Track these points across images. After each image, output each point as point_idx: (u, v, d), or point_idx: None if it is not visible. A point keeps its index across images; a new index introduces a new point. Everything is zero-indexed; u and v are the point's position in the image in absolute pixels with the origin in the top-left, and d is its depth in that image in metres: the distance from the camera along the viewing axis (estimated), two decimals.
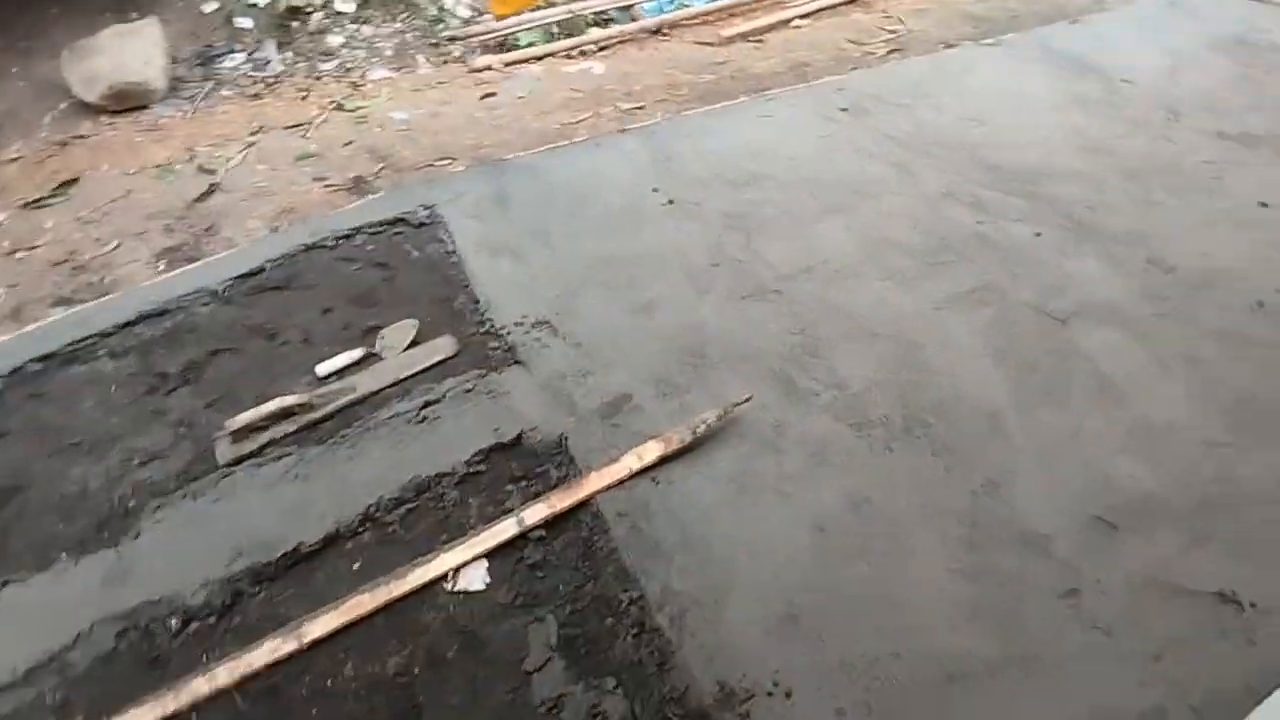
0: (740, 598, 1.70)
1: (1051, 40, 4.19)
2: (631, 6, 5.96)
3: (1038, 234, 2.74)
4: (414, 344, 2.38)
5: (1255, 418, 2.07)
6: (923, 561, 1.76)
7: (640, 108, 4.44)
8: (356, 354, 2.36)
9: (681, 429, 2.00)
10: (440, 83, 5.02)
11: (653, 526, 1.84)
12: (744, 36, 5.65)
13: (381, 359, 2.36)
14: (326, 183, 3.56)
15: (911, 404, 2.12)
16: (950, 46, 5.53)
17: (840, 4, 6.20)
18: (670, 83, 4.85)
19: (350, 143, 4.08)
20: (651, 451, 1.95)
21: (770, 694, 1.53)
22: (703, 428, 2.00)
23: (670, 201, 2.94)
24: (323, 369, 2.32)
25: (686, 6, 6.15)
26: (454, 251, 2.70)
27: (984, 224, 2.80)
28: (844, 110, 3.54)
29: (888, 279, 2.55)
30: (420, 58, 5.36)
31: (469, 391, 2.20)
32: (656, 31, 5.62)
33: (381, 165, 3.82)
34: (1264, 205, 2.88)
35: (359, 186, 3.61)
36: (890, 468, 1.96)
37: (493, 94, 4.71)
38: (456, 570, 1.77)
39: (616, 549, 1.79)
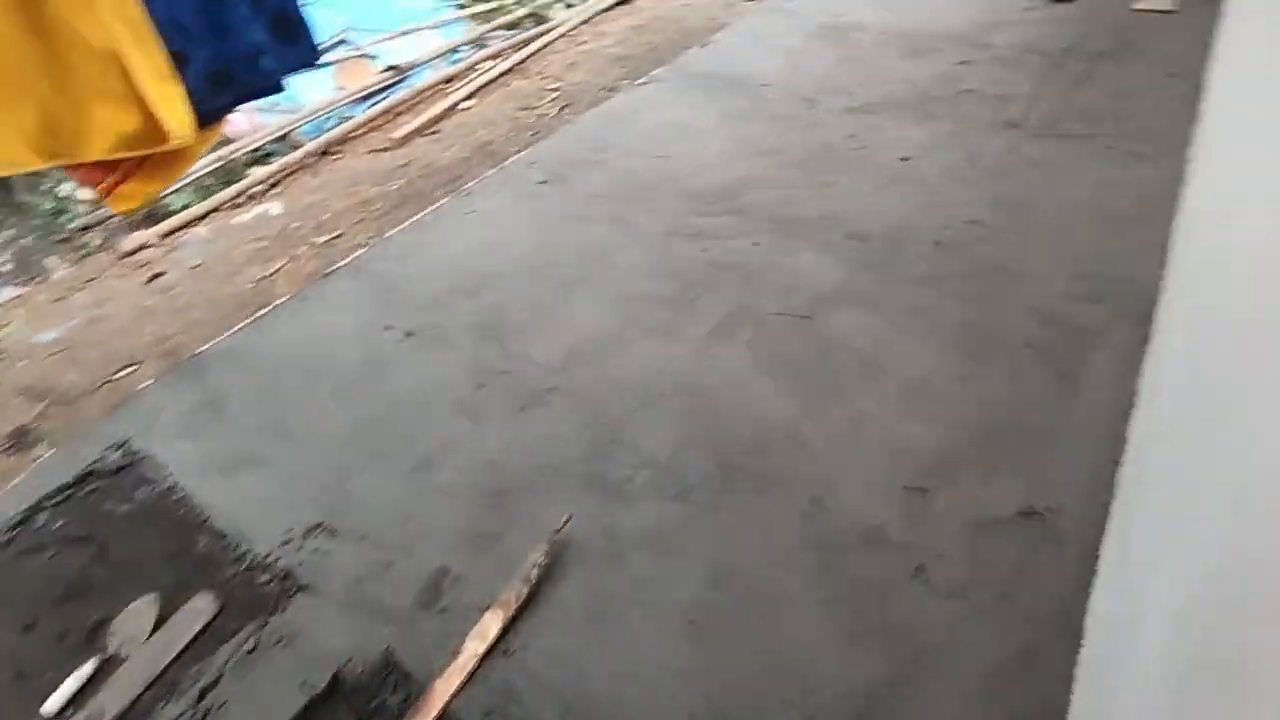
0: None
1: (692, 66, 4.61)
2: (288, 135, 5.58)
3: (755, 243, 2.94)
4: (159, 624, 1.91)
5: (982, 342, 2.36)
6: (794, 607, 1.74)
7: (338, 236, 4.13)
8: (88, 668, 1.83)
9: (514, 584, 1.80)
10: (89, 281, 4.27)
11: (526, 709, 1.61)
12: (418, 132, 5.54)
13: (124, 659, 1.86)
14: None
15: (720, 451, 2.13)
16: (610, 91, 5.87)
17: (498, 76, 6.33)
18: (360, 201, 4.59)
19: None
20: (492, 626, 1.73)
21: None
22: (535, 572, 1.82)
23: (409, 335, 2.71)
24: (51, 707, 1.77)
25: (347, 119, 5.89)
26: (172, 488, 2.23)
27: (709, 250, 2.94)
28: (544, 183, 3.57)
29: (650, 335, 2.56)
30: (51, 261, 4.53)
31: (252, 652, 1.80)
32: (325, 152, 5.32)
33: (44, 404, 3.11)
34: (904, 159, 3.36)
35: (21, 443, 2.90)
36: (727, 527, 1.93)
37: (160, 274, 4.10)
38: None
39: None
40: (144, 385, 2.70)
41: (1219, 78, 3.27)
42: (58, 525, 2.20)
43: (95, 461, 2.35)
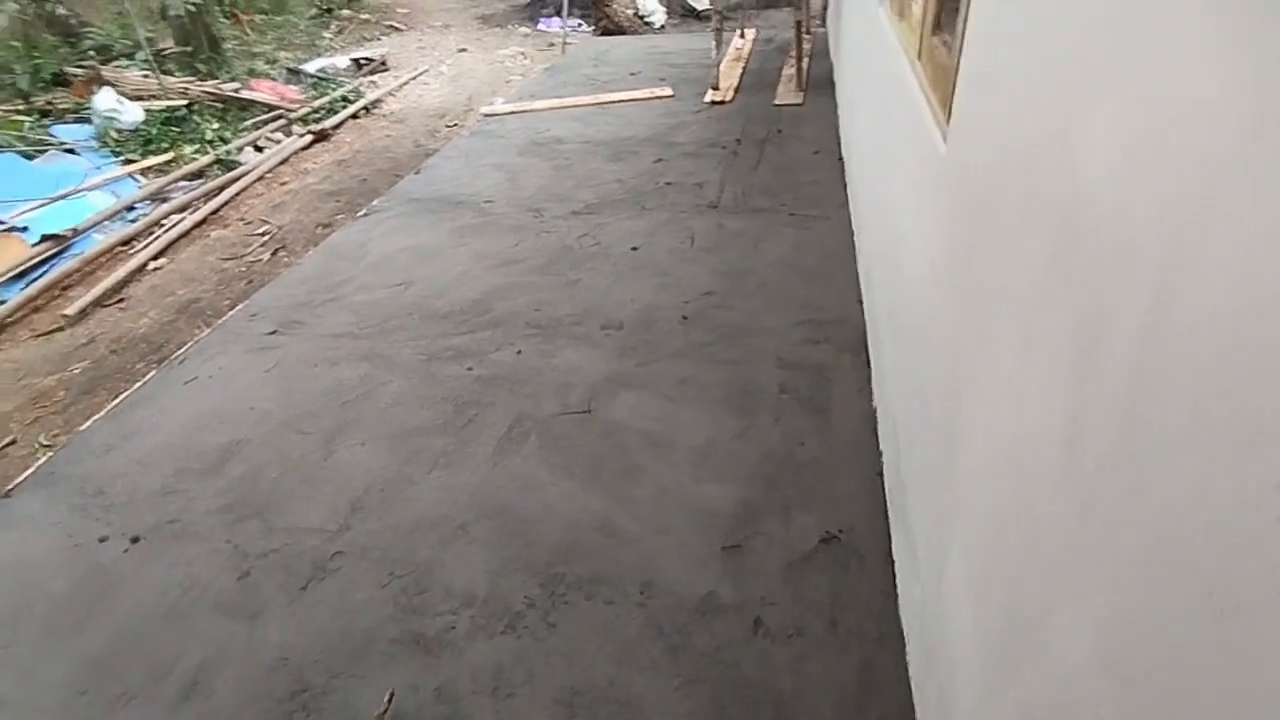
0: None
1: (412, 193, 4.62)
2: None
3: (518, 351, 2.96)
4: None
5: (746, 397, 2.59)
6: (655, 705, 1.69)
7: (10, 444, 3.36)
8: None
9: None
10: None
11: None
12: (99, 303, 4.81)
13: None
14: None
15: (539, 567, 2.04)
16: (326, 227, 5.65)
17: (191, 229, 5.79)
18: (32, 395, 3.82)
19: None
20: None
21: None
22: None
23: (134, 540, 2.24)
24: None
25: None
26: None
27: (473, 367, 2.89)
28: (273, 333, 3.26)
29: (435, 467, 2.42)
30: None
31: None
32: None
33: None
34: (634, 249, 3.67)
35: None
36: (566, 644, 1.84)
37: None
38: None
39: None
40: None
41: (847, 151, 4.10)
42: None
43: None
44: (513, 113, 6.00)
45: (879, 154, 2.56)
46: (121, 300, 4.83)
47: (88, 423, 2.86)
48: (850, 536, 2.03)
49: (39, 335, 4.51)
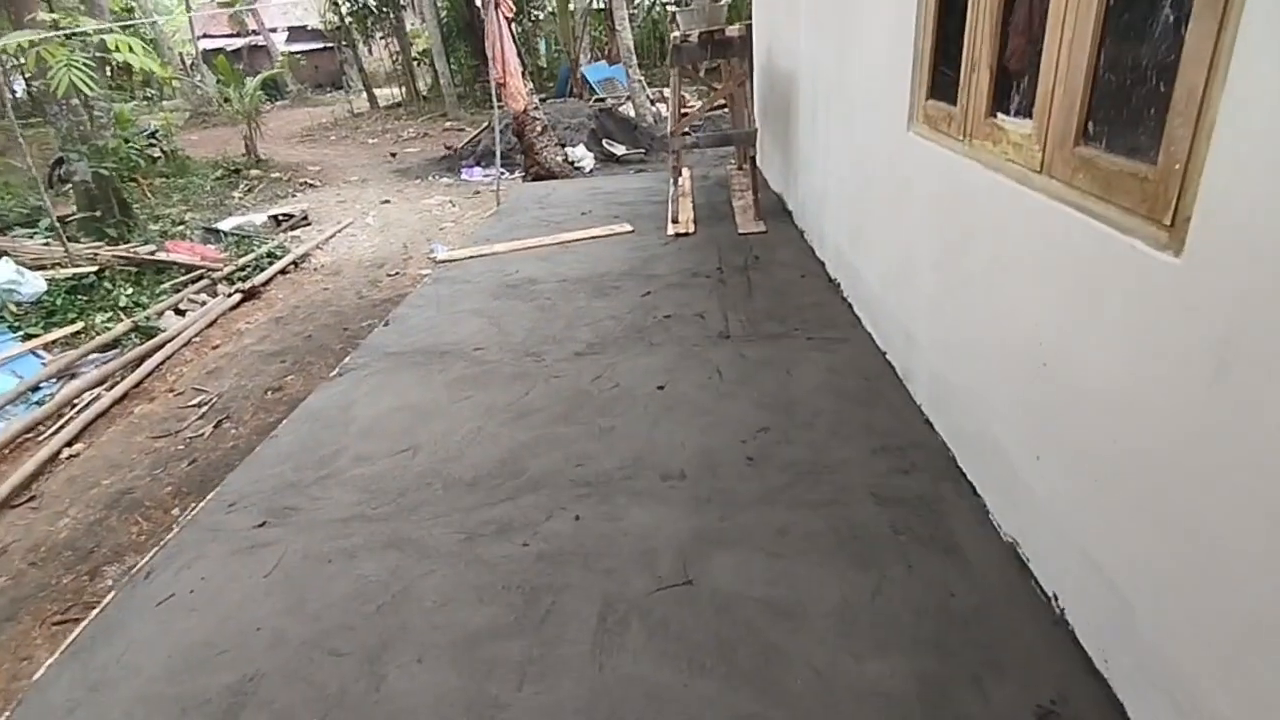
0: None
1: (387, 346, 4.22)
2: None
3: (576, 517, 2.56)
4: None
5: (860, 543, 2.29)
6: None
7: None
8: None
9: None
10: None
11: None
12: (5, 505, 4.03)
13: None
14: None
15: None
16: (277, 391, 5.14)
17: (110, 406, 5.11)
18: None
19: None
20: None
21: None
22: None
23: None
24: None
25: None
26: None
27: (529, 543, 2.46)
28: (262, 525, 2.71)
29: (525, 681, 1.93)
30: None
31: None
32: None
33: None
34: (660, 388, 3.41)
35: None
36: None
37: None
38: None
39: None
40: None
41: (840, 272, 4.09)
42: None
43: None
44: (471, 257, 5.80)
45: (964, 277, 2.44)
46: (33, 499, 4.07)
47: (40, 671, 2.17)
48: (1068, 707, 1.71)
49: None
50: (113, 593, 2.49)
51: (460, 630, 2.12)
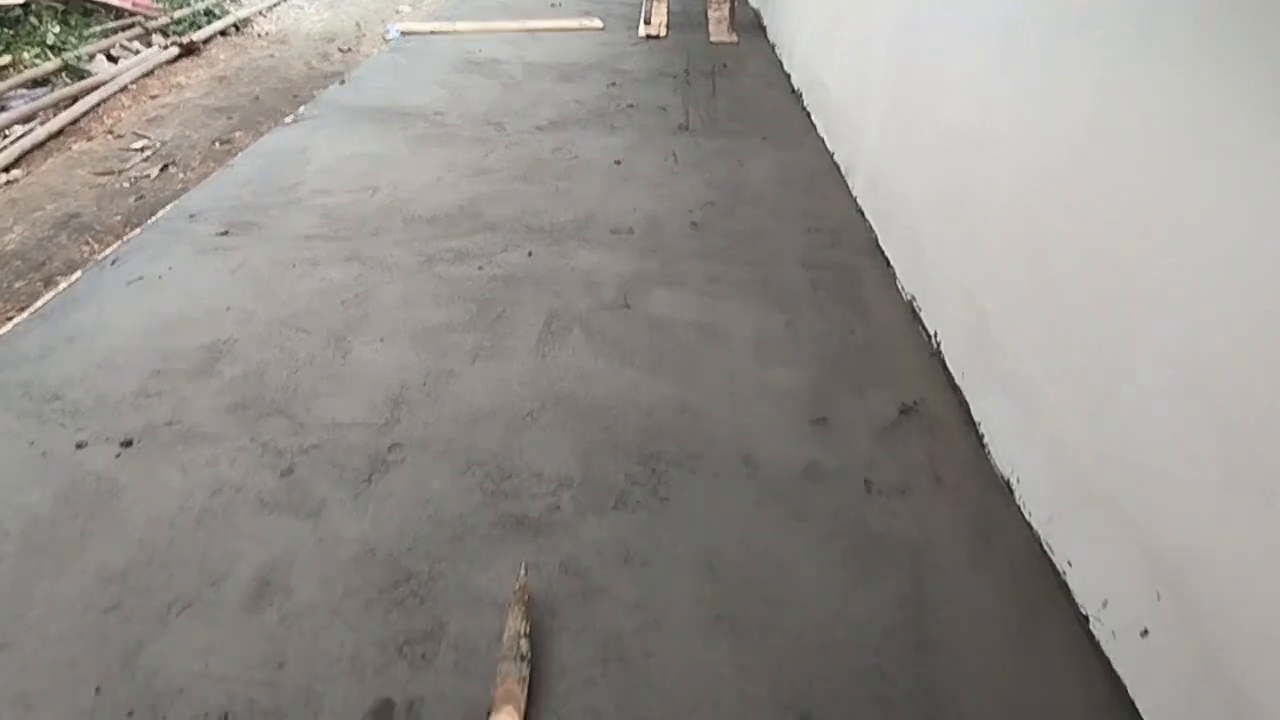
0: None
1: (343, 102, 4.15)
2: None
3: (529, 253, 2.76)
4: None
5: (780, 293, 2.58)
6: (793, 561, 1.65)
7: None
8: None
9: (506, 667, 1.36)
10: None
11: None
12: None
13: None
14: None
15: (629, 450, 1.92)
16: (225, 143, 5.02)
17: (46, 140, 4.91)
18: None
19: None
20: None
21: None
22: (524, 643, 1.40)
23: (125, 444, 1.87)
24: None
25: None
26: None
27: (484, 267, 2.66)
28: (225, 234, 2.82)
29: (475, 360, 2.20)
30: None
31: None
32: None
33: None
34: (617, 162, 3.53)
35: None
36: (688, 513, 1.75)
37: None
38: None
39: None
40: None
41: (805, 84, 4.16)
42: None
43: None
44: (433, 32, 5.55)
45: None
46: None
47: (7, 326, 2.32)
48: (925, 407, 2.09)
49: None
50: (78, 272, 2.61)
51: (419, 324, 2.36)
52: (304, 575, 1.57)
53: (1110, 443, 1.45)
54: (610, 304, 2.49)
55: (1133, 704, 1.37)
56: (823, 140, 3.82)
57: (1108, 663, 1.44)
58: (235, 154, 3.92)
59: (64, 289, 2.50)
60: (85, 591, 1.52)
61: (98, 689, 1.35)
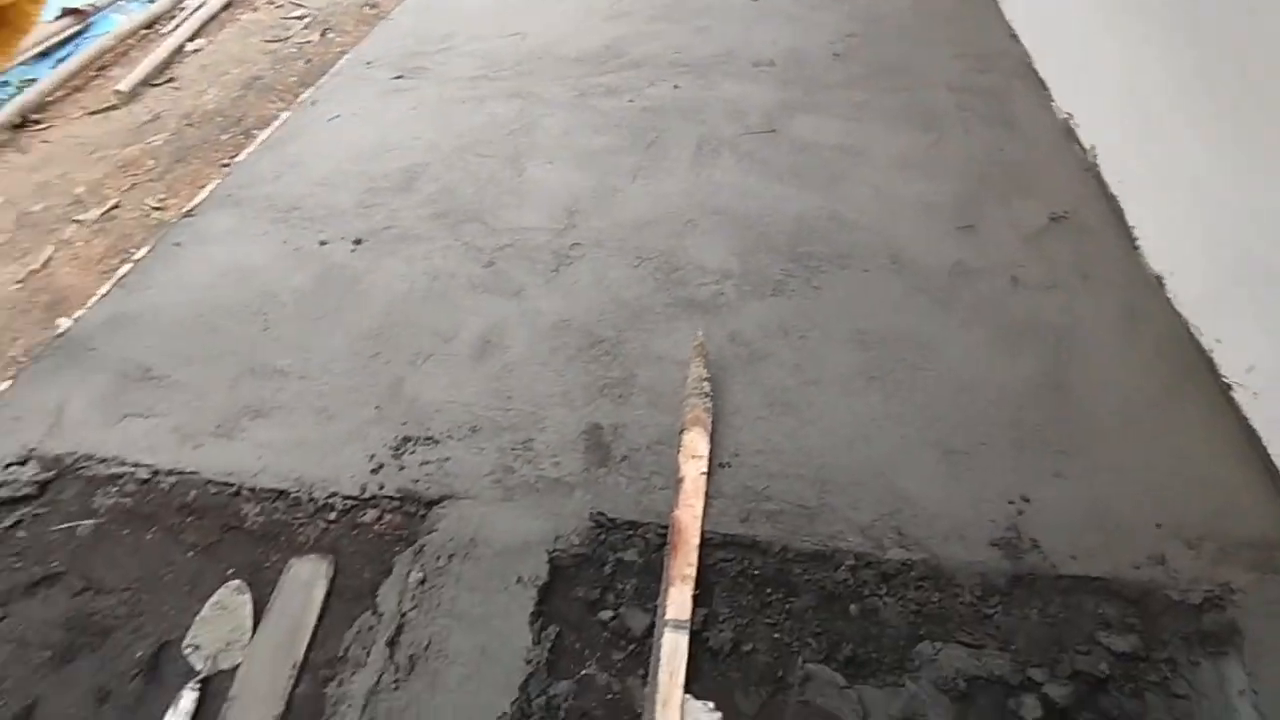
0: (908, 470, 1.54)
1: None
2: None
3: (675, 86, 2.88)
4: (256, 619, 1.41)
5: (926, 117, 2.60)
6: (944, 338, 1.82)
7: (115, 207, 3.24)
8: (187, 704, 1.30)
9: (693, 402, 1.64)
10: None
11: (779, 500, 1.51)
12: (147, 83, 4.47)
13: (231, 669, 1.35)
14: None
15: (782, 249, 2.11)
16: (373, 7, 5.26)
17: (219, 11, 5.33)
18: (120, 165, 3.64)
19: None
20: (699, 443, 1.56)
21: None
22: (706, 385, 1.67)
23: (357, 242, 2.23)
24: None
25: (27, 81, 4.62)
26: (152, 476, 1.63)
27: (634, 100, 2.82)
28: (400, 78, 3.10)
29: (636, 178, 2.42)
30: None
31: (425, 581, 1.42)
32: (22, 124, 4.06)
33: None
34: (754, 0, 3.51)
35: None
36: (840, 299, 1.94)
37: None
38: None
39: (781, 545, 1.43)
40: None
41: None
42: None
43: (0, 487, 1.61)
44: None
45: None
46: (172, 80, 4.49)
47: (241, 155, 2.74)
48: (1076, 216, 2.14)
49: (93, 113, 4.21)
50: (286, 113, 2.98)
51: (581, 149, 2.58)
52: (515, 337, 1.90)
53: (1272, 221, 1.49)
54: (756, 129, 2.61)
55: (1265, 450, 1.49)
56: None
57: (1245, 420, 1.55)
58: (384, 17, 4.16)
59: (275, 128, 2.88)
60: (351, 344, 1.91)
61: (377, 407, 1.75)
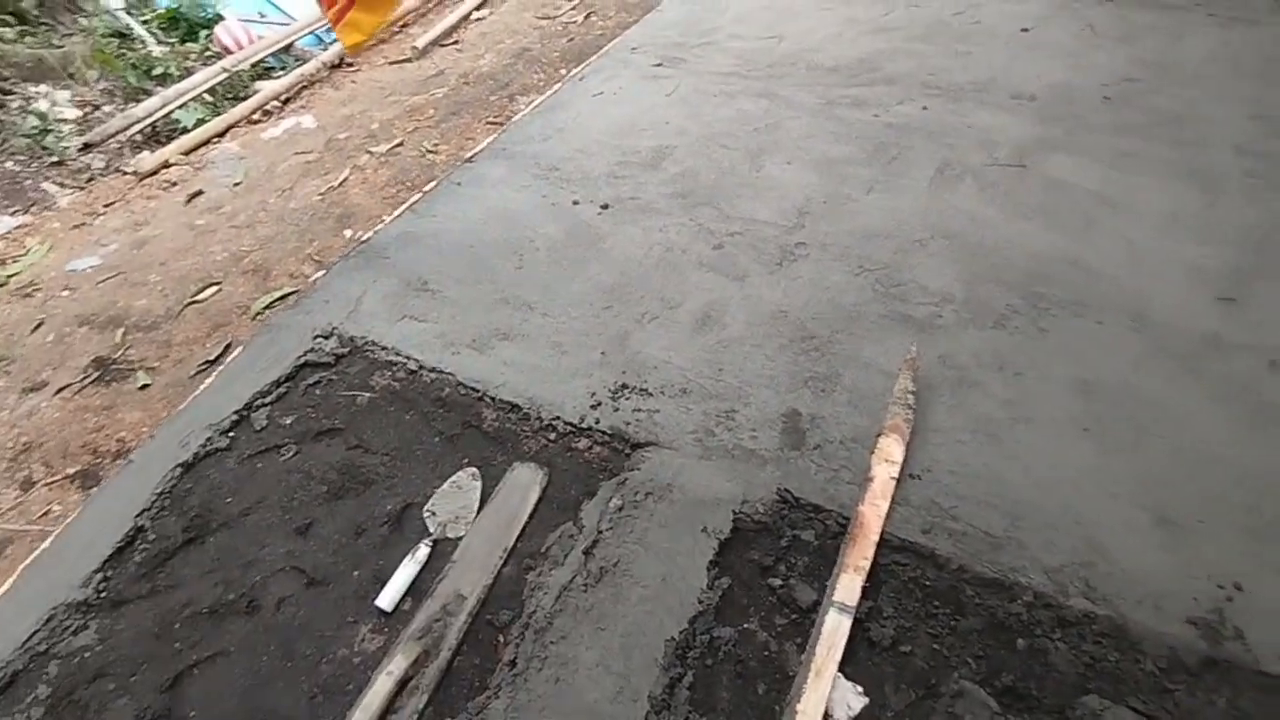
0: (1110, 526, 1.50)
1: None
2: (290, 46, 5.01)
3: (924, 108, 2.87)
4: (481, 504, 1.68)
5: (1204, 177, 2.40)
6: (1178, 406, 1.73)
7: (399, 145, 3.77)
8: (422, 552, 1.59)
9: (896, 410, 1.69)
10: (109, 204, 3.71)
11: (964, 521, 1.53)
12: (437, 43, 5.12)
13: (455, 539, 1.62)
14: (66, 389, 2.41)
15: (1012, 284, 2.07)
16: None
17: None
18: (407, 110, 4.20)
19: (38, 326, 2.83)
20: (893, 449, 1.62)
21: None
22: (911, 397, 1.72)
23: (604, 207, 2.49)
24: (386, 601, 1.52)
25: None
26: (419, 370, 1.96)
27: (880, 115, 2.85)
28: (659, 65, 3.34)
29: (870, 190, 2.46)
30: (49, 186, 3.89)
31: (622, 510, 1.61)
32: (339, 65, 4.82)
33: (119, 332, 2.69)
34: (1025, 30, 3.38)
35: (109, 373, 2.49)
36: (1063, 346, 1.89)
37: (198, 192, 3.61)
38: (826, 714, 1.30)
39: (959, 564, 1.46)
40: (316, 276, 2.35)
41: None
42: (288, 422, 1.88)
43: (307, 353, 2.02)
44: None
45: None
46: (457, 42, 5.11)
47: (518, 116, 3.11)
48: None
49: (392, 63, 4.90)
50: (558, 85, 3.33)
51: (820, 154, 2.66)
52: (734, 317, 2.04)
53: None
54: (1005, 162, 2.55)
55: None
56: None
57: None
58: (654, 7, 4.45)
59: (548, 96, 3.23)
60: (588, 293, 2.16)
61: (603, 353, 1.97)
